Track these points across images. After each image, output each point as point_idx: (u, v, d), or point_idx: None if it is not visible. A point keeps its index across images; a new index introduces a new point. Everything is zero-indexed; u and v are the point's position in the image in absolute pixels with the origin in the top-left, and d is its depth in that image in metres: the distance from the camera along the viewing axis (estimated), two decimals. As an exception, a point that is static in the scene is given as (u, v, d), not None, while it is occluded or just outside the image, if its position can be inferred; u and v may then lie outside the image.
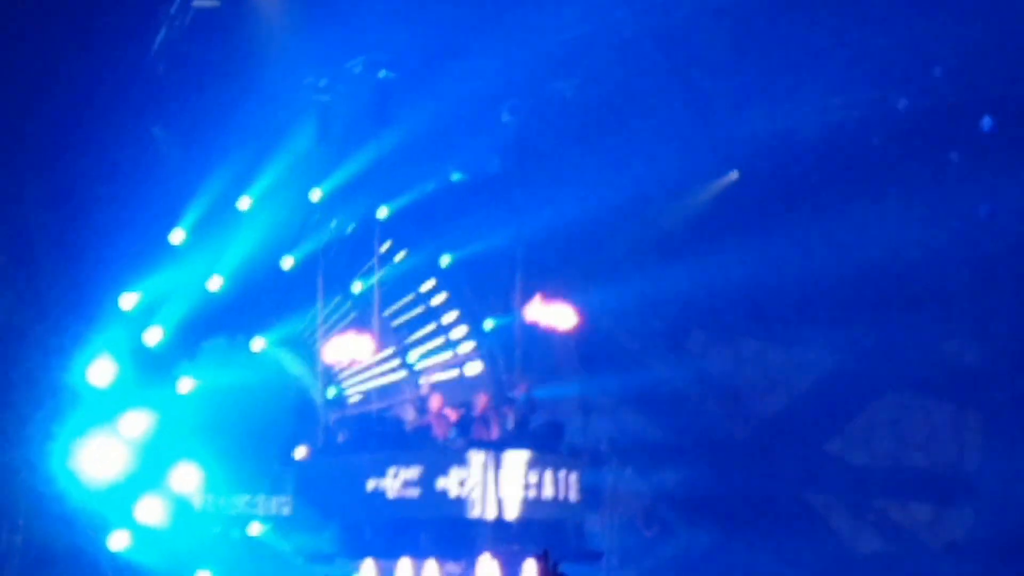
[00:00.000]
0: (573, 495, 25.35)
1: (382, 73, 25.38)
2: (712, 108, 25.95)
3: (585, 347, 28.18)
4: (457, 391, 26.78)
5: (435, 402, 25.54)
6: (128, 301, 24.09)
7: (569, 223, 26.01)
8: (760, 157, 26.42)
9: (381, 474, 24.86)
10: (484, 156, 26.95)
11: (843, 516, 29.03)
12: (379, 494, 24.87)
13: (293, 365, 26.77)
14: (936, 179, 25.94)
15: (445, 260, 27.44)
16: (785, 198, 26.70)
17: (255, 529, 25.49)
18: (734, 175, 27.45)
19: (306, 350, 26.58)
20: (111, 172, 23.12)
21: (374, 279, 26.72)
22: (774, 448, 28.81)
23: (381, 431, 25.78)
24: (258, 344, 26.18)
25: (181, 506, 24.59)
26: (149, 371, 24.48)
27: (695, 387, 29.19)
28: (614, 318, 28.34)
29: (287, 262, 25.90)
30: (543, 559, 5.96)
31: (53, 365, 23.23)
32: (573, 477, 25.38)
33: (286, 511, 25.61)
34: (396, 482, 24.79)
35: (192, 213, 24.65)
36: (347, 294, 26.77)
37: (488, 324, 27.81)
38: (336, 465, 25.90)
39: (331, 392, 26.82)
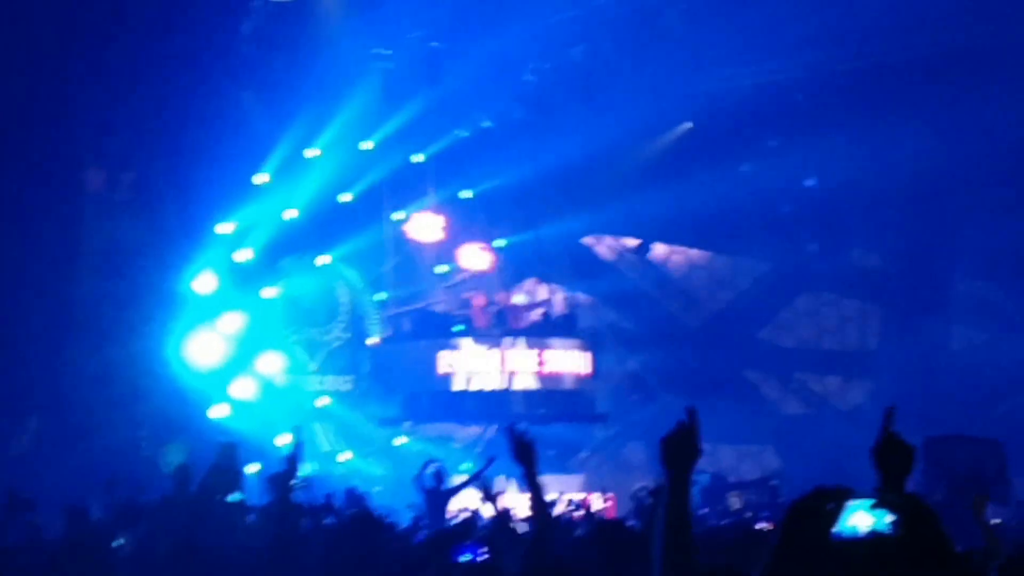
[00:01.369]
0: (585, 371, 26.22)
1: (433, 43, 25.92)
2: (671, 70, 26.36)
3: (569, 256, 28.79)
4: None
5: (479, 299, 26.13)
6: (224, 228, 24.50)
7: (572, 160, 26.07)
8: (709, 110, 26.92)
9: (435, 356, 25.60)
10: (510, 107, 27.24)
11: (773, 387, 30.06)
12: (433, 371, 25.63)
13: (349, 275, 26.81)
14: (845, 130, 26.45)
15: (466, 194, 27.50)
16: (729, 141, 27.11)
17: (323, 402, 26.01)
18: (688, 125, 27.97)
19: (361, 263, 26.71)
20: (210, 128, 23.31)
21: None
22: (720, 335, 29.58)
23: (435, 322, 26.32)
24: (322, 260, 26.24)
25: (266, 385, 25.01)
26: (241, 281, 24.85)
27: (657, 289, 29.87)
28: (595, 238, 29.14)
29: (345, 197, 26.06)
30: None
31: (168, 277, 23.82)
32: (587, 357, 26.27)
33: (348, 387, 26.43)
34: (446, 362, 25.59)
35: (272, 159, 24.99)
36: (389, 222, 26.89)
37: (499, 243, 27.84)
38: (400, 350, 26.45)
39: (381, 295, 27.10)
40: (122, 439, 22.43)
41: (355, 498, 16.32)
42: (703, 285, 30.25)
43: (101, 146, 23.60)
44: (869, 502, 3.04)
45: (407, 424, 26.11)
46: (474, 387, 25.35)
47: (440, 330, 25.88)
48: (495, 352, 25.45)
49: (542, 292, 27.53)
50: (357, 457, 25.39)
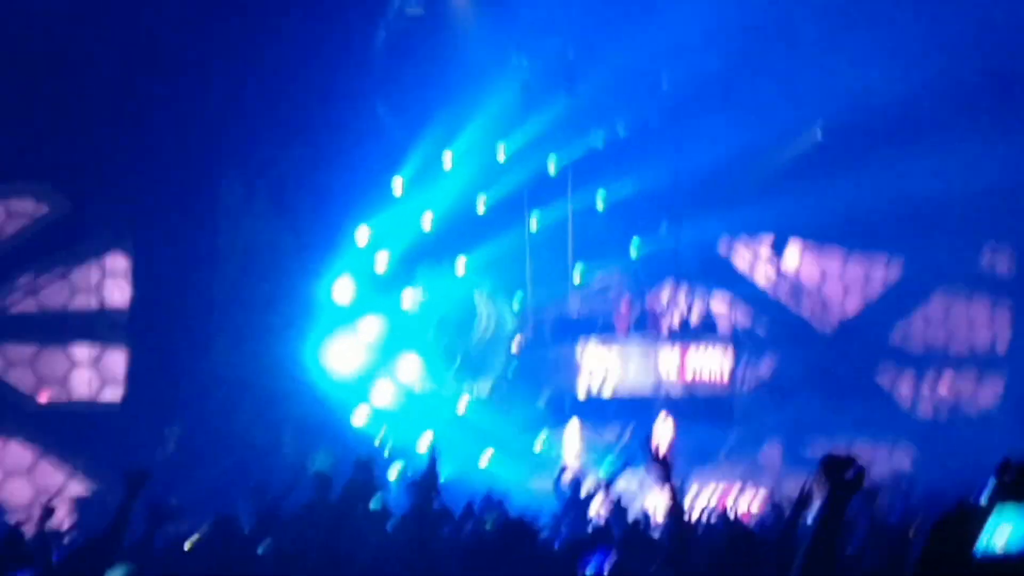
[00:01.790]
0: (727, 373, 26.07)
1: (569, 51, 25.64)
2: (804, 74, 25.98)
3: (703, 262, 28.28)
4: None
5: (623, 303, 25.78)
6: (362, 235, 24.59)
7: (706, 166, 25.91)
8: (843, 113, 26.60)
9: (578, 359, 25.52)
10: (645, 115, 26.78)
11: (905, 389, 29.69)
12: (577, 375, 25.51)
13: (486, 281, 26.62)
14: (978, 133, 26.27)
15: (600, 201, 27.10)
16: (861, 145, 26.78)
17: (462, 407, 25.89)
18: (821, 129, 27.64)
19: (497, 269, 26.47)
20: (347, 139, 23.48)
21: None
22: (852, 338, 29.32)
23: (577, 325, 26.08)
24: (460, 267, 26.11)
25: (405, 391, 25.02)
26: (379, 287, 24.89)
27: (790, 293, 29.59)
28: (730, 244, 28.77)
29: (480, 203, 25.97)
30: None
31: (307, 282, 23.96)
32: (729, 359, 26.13)
33: (486, 392, 26.25)
34: (590, 365, 25.35)
35: (408, 167, 25.04)
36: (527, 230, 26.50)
37: (634, 249, 27.47)
38: (543, 354, 26.25)
39: (518, 301, 26.83)
40: (264, 444, 22.57)
41: (493, 503, 16.33)
42: (835, 289, 29.75)
43: (241, 153, 23.63)
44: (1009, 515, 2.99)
45: (547, 428, 25.79)
46: (617, 390, 25.15)
47: (583, 333, 25.64)
48: (639, 354, 25.26)
49: (681, 296, 27.39)
50: (496, 462, 25.15)
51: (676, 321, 25.91)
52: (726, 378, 25.76)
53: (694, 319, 26.09)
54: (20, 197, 23.58)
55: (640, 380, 25.16)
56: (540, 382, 25.92)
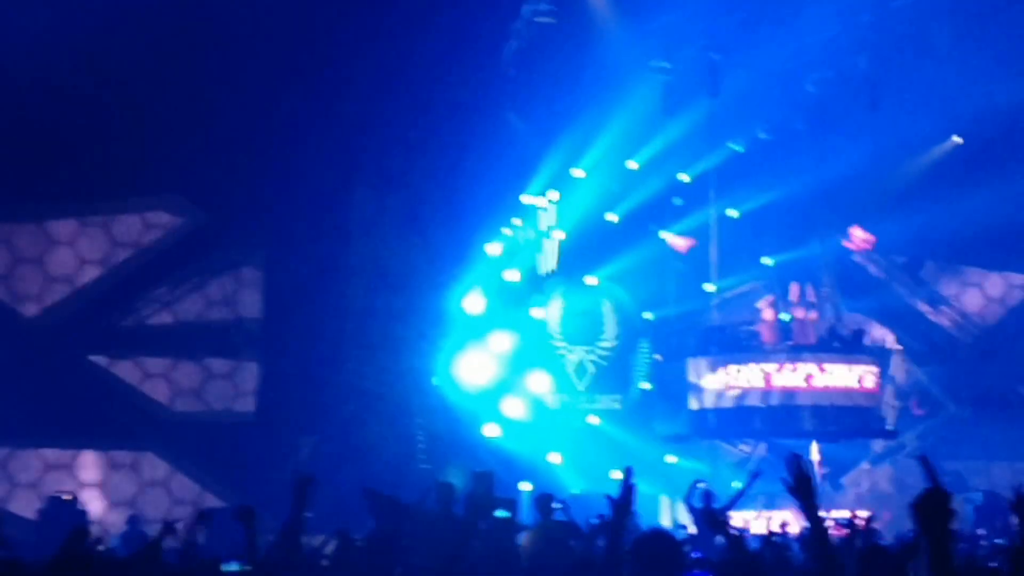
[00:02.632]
0: (872, 386, 25.03)
1: (713, 55, 24.86)
2: (943, 83, 25.55)
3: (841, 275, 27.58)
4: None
5: (767, 314, 25.05)
6: (493, 249, 24.56)
7: (844, 174, 25.40)
8: (978, 125, 26.10)
9: (721, 372, 24.83)
10: (790, 118, 26.22)
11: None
12: (719, 388, 24.87)
13: (617, 294, 26.37)
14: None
15: (733, 213, 26.63)
16: (998, 155, 26.05)
17: (593, 420, 25.56)
18: (958, 139, 26.99)
19: (628, 282, 26.20)
20: (480, 150, 23.30)
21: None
22: (993, 350, 28.26)
23: (719, 337, 25.50)
24: (591, 280, 25.93)
25: (536, 404, 24.78)
26: (509, 301, 24.77)
27: (929, 305, 28.65)
28: (864, 253, 27.66)
29: (612, 216, 25.73)
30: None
31: (438, 295, 23.85)
32: (874, 371, 25.14)
33: (616, 406, 25.89)
34: (734, 379, 24.73)
35: (539, 178, 24.79)
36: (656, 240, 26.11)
37: (768, 260, 26.89)
38: (684, 367, 25.48)
39: (649, 314, 26.45)
40: (396, 456, 22.56)
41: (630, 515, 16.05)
42: (975, 301, 29.05)
43: (373, 166, 23.64)
44: None
45: (680, 442, 25.39)
46: (761, 403, 24.61)
47: (725, 346, 25.15)
48: (784, 367, 24.66)
49: (825, 305, 26.67)
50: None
51: (822, 332, 25.25)
52: (875, 390, 25.04)
53: (842, 330, 25.39)
54: (156, 210, 23.91)
55: (785, 393, 24.40)
56: (677, 395, 25.32)
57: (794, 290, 24.96)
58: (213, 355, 24.04)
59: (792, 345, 24.75)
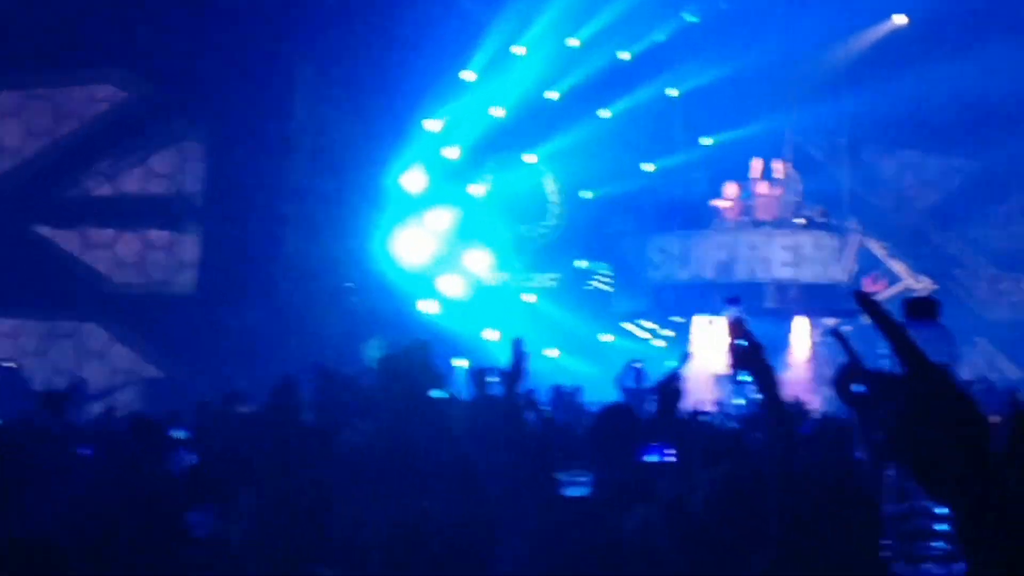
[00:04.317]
0: (836, 262, 25.08)
1: None
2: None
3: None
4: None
5: (730, 189, 24.90)
6: (432, 125, 24.34)
7: (780, 57, 25.33)
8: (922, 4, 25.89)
9: (683, 248, 25.07)
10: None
11: (982, 288, 28.98)
12: (681, 264, 25.04)
13: (557, 172, 26.52)
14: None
15: (672, 92, 26.80)
16: (941, 38, 25.79)
17: (530, 298, 25.80)
18: (902, 19, 26.87)
19: (568, 161, 26.03)
20: (418, 25, 23.09)
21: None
22: (926, 233, 28.75)
23: (683, 214, 25.39)
24: (530, 158, 25.97)
25: (474, 282, 25.01)
26: (448, 178, 24.74)
27: (866, 188, 28.76)
28: (806, 135, 27.69)
29: (551, 94, 25.66)
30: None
31: (377, 173, 23.80)
32: (837, 248, 25.10)
33: (554, 284, 26.07)
34: (695, 254, 24.89)
35: (479, 56, 24.66)
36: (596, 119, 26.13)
37: (707, 140, 27.18)
38: (642, 243, 25.80)
39: (589, 193, 26.58)
40: (338, 333, 22.50)
41: (563, 395, 16.19)
42: (913, 185, 29.32)
43: (315, 41, 23.40)
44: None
45: (639, 318, 25.68)
46: (722, 279, 24.52)
47: (686, 221, 25.18)
48: (745, 241, 24.72)
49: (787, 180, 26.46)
50: (563, 355, 24.97)
51: (787, 207, 25.23)
52: (838, 267, 25.15)
53: (803, 206, 25.32)
54: (101, 83, 23.79)
55: (748, 268, 24.59)
56: (636, 271, 25.57)
57: (756, 166, 24.89)
58: (155, 228, 23.98)
59: (755, 220, 24.78)
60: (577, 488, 6.23)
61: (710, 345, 22.16)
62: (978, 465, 1.71)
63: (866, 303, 1.82)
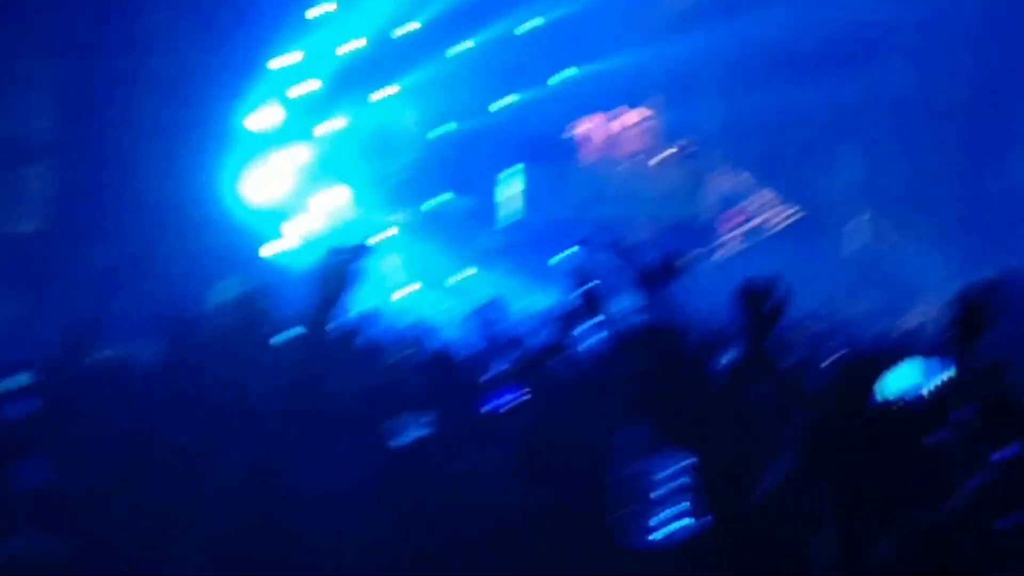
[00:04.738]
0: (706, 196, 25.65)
1: None
2: None
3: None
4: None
5: (589, 124, 25.32)
6: (284, 60, 23.88)
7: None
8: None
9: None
10: None
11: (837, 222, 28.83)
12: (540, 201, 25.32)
13: (413, 108, 26.20)
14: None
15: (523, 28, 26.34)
16: None
17: (388, 235, 25.12)
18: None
19: (425, 96, 25.86)
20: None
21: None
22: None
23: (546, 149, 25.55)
24: (384, 93, 25.53)
25: (330, 220, 24.72)
26: (303, 115, 24.38)
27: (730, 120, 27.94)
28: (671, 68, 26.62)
29: (407, 29, 25.23)
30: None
31: (228, 110, 23.38)
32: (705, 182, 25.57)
33: (412, 220, 25.82)
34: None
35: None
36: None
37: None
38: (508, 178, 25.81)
39: (448, 127, 26.30)
40: (190, 272, 21.60)
41: (422, 332, 16.09)
42: (775, 117, 28.86)
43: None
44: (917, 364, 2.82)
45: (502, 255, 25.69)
46: (587, 214, 24.44)
47: (549, 156, 25.29)
48: (610, 175, 24.81)
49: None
50: (422, 291, 24.90)
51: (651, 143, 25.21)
52: (699, 200, 25.24)
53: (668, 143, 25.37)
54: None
55: (611, 203, 24.50)
56: (484, 209, 25.75)
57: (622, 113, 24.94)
58: (3, 166, 23.35)
59: (620, 154, 24.81)
60: (415, 431, 6.16)
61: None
62: (720, 417, 1.65)
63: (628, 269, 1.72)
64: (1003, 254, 19.03)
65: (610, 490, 4.40)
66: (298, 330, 12.75)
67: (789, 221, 26.63)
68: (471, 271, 25.60)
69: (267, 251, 23.58)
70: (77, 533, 7.32)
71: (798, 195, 28.27)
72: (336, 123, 25.26)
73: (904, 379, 2.66)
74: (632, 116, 24.97)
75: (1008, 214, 25.79)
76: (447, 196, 26.43)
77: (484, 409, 7.23)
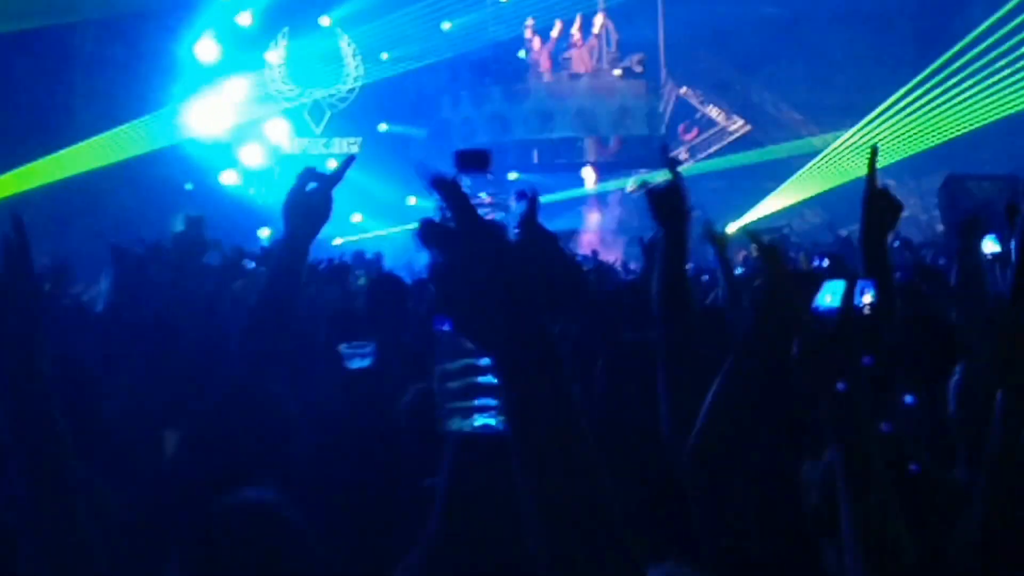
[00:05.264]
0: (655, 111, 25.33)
1: None
2: None
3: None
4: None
5: (537, 42, 25.00)
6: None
7: None
8: None
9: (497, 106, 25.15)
10: None
11: (784, 134, 29.50)
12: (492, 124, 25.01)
13: (352, 35, 25.97)
14: None
15: None
16: None
17: (331, 164, 25.64)
18: None
19: (363, 23, 25.56)
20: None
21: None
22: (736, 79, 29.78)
23: (496, 69, 25.41)
24: (325, 20, 25.55)
25: (274, 150, 24.83)
26: (242, 46, 24.24)
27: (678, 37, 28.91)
28: None
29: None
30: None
31: (169, 42, 23.28)
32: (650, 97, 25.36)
33: (356, 149, 25.39)
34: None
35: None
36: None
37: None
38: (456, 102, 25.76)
39: (386, 54, 26.06)
40: (131, 206, 22.13)
41: (367, 261, 16.13)
42: (723, 33, 28.84)
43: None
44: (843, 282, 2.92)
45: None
46: (537, 136, 24.71)
47: (499, 76, 25.10)
48: (561, 94, 24.60)
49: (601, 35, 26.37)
50: (367, 219, 25.07)
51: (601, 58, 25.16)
52: (651, 117, 25.30)
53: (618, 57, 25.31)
54: None
55: (562, 123, 24.65)
56: (435, 135, 25.68)
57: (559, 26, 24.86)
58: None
59: (572, 73, 24.73)
60: (359, 360, 6.17)
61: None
62: (525, 318, 1.75)
63: (420, 169, 1.82)
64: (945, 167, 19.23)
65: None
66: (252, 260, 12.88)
67: (739, 135, 26.75)
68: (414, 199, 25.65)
69: (221, 180, 23.62)
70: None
71: (747, 109, 28.45)
72: (277, 52, 25.18)
73: (832, 296, 2.75)
74: (582, 34, 24.96)
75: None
76: (392, 123, 26.35)
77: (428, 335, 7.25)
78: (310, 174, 3.59)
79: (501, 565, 2.28)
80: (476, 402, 1.92)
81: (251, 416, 3.65)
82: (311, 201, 3.62)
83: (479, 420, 1.93)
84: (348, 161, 3.62)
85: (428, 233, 1.81)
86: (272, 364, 3.77)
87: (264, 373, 3.86)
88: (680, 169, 4.18)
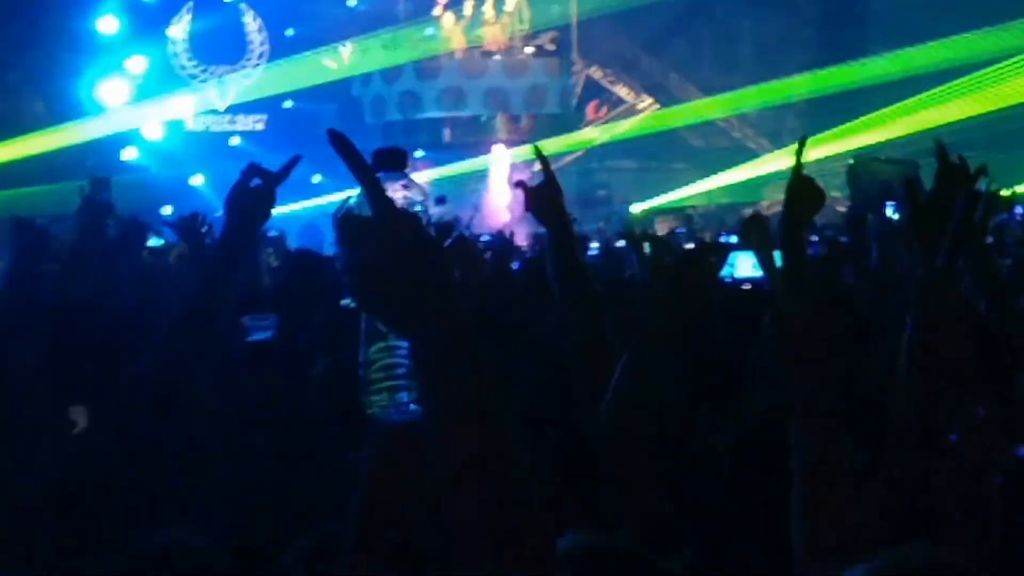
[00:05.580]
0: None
1: None
2: None
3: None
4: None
5: (448, 19, 25.06)
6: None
7: None
8: None
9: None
10: None
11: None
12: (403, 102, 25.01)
13: (257, 10, 25.70)
14: None
15: None
16: None
17: (235, 141, 25.45)
18: None
19: None
20: None
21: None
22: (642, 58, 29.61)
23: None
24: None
25: (177, 126, 24.66)
26: (146, 21, 23.87)
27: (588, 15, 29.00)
28: None
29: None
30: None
31: (72, 17, 22.83)
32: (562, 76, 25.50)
33: (260, 127, 25.72)
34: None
35: None
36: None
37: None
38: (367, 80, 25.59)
39: (291, 30, 25.99)
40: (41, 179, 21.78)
41: (272, 239, 16.03)
42: (628, 11, 29.28)
43: None
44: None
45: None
46: (451, 112, 24.76)
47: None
48: (473, 72, 24.60)
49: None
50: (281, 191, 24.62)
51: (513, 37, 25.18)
52: (563, 95, 25.37)
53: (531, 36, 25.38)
54: None
55: (474, 101, 24.77)
56: (345, 113, 25.28)
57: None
58: None
59: (484, 51, 24.80)
60: (261, 332, 6.13)
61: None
62: (441, 300, 1.79)
63: (339, 145, 1.85)
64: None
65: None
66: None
67: (648, 111, 26.89)
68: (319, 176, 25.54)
69: (123, 156, 23.34)
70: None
71: (655, 89, 28.58)
72: (180, 27, 24.87)
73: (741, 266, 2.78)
74: (495, 11, 24.95)
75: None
76: (304, 99, 26.18)
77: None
78: (254, 170, 3.59)
79: (421, 547, 2.30)
80: (398, 382, 1.96)
81: (167, 398, 3.63)
82: (253, 198, 3.62)
83: (400, 402, 1.96)
84: (293, 161, 3.62)
85: (348, 228, 1.84)
86: (197, 358, 3.75)
87: (188, 365, 3.84)
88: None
